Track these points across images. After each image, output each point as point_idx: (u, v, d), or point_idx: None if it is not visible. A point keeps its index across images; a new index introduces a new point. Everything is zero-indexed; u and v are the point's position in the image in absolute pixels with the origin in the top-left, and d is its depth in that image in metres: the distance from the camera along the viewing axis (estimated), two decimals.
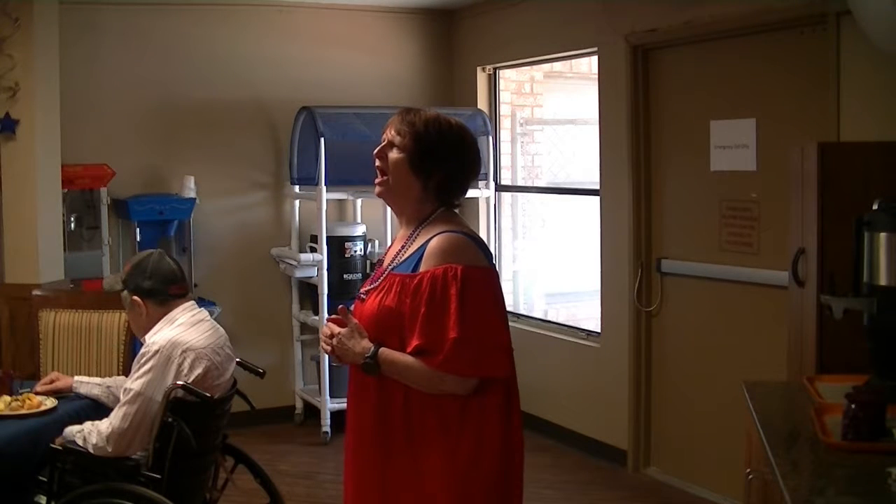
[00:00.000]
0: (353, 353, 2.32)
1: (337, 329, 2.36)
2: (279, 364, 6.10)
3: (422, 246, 2.32)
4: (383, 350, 2.28)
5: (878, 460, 2.14)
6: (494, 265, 2.40)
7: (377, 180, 2.40)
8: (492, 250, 2.47)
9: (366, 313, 2.36)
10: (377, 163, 2.39)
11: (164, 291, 3.29)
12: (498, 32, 6.16)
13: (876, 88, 3.85)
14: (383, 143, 2.39)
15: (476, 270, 2.27)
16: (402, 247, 2.39)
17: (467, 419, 2.28)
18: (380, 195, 2.43)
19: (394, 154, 2.36)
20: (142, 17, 5.77)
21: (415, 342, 2.24)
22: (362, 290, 2.44)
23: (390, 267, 2.38)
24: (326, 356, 5.66)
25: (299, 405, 6.17)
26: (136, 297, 3.27)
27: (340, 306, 2.39)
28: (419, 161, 2.34)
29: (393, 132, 2.37)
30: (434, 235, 2.32)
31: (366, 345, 2.30)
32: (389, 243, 2.54)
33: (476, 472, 2.27)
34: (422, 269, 2.28)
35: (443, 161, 2.35)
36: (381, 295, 2.33)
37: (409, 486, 2.30)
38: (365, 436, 2.37)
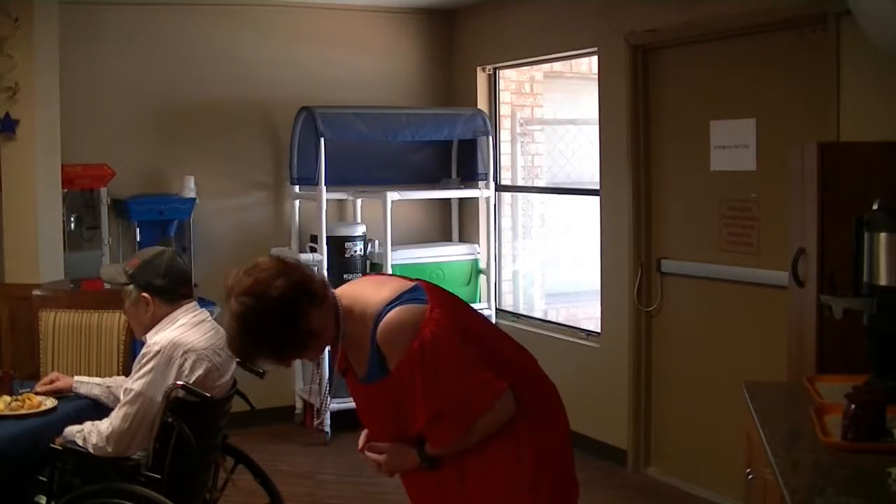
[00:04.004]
0: (409, 463, 2.34)
1: (379, 458, 2.36)
2: None
3: (371, 350, 2.24)
4: (427, 446, 2.30)
5: (878, 460, 2.14)
6: (425, 298, 2.25)
7: (313, 356, 2.35)
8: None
9: (373, 425, 2.40)
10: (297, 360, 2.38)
11: (174, 291, 3.29)
12: (498, 32, 6.15)
13: (876, 88, 3.85)
14: (280, 367, 2.33)
15: (422, 338, 2.18)
16: (352, 353, 2.33)
17: (521, 434, 2.30)
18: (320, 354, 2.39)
19: (277, 363, 2.27)
20: (142, 17, 5.77)
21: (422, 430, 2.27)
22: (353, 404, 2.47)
23: (360, 379, 2.33)
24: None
25: (299, 405, 6.17)
26: (145, 294, 3.27)
27: (368, 445, 2.40)
28: (278, 349, 2.22)
29: (256, 363, 2.43)
30: (372, 332, 2.22)
31: (412, 454, 2.32)
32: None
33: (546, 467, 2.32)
34: (391, 367, 2.22)
35: (269, 336, 2.19)
36: (374, 407, 2.35)
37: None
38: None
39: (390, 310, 2.21)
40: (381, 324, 2.20)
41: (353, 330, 2.27)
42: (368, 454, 2.38)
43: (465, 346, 2.24)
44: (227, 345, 2.27)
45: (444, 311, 2.23)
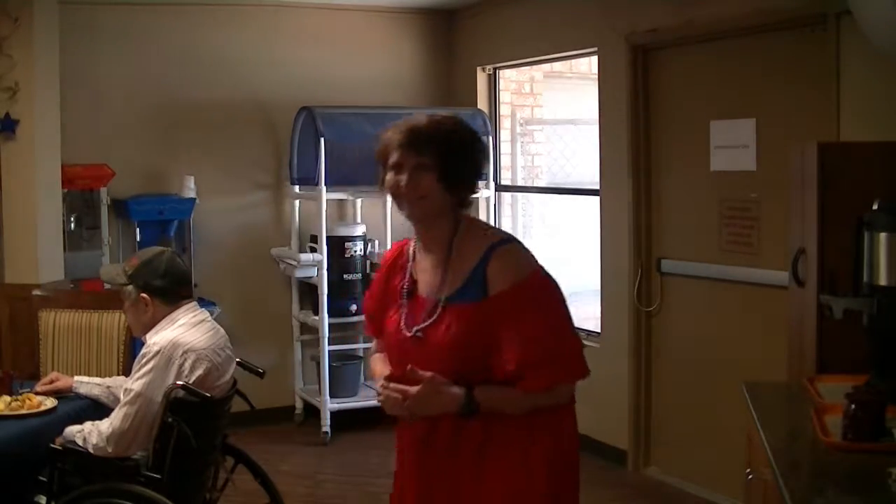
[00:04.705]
0: (440, 405, 2.15)
1: (410, 389, 2.15)
2: (279, 364, 6.10)
3: (475, 269, 2.19)
4: (477, 390, 2.14)
5: (878, 460, 2.14)
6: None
7: (413, 206, 2.21)
8: None
9: (436, 350, 2.20)
10: (411, 191, 2.19)
11: (174, 292, 3.28)
12: (498, 32, 6.16)
13: (876, 88, 3.85)
14: (409, 171, 2.18)
15: (538, 279, 2.19)
16: (443, 271, 2.24)
17: (547, 420, 2.24)
18: (419, 218, 2.26)
19: (427, 179, 2.18)
20: (142, 17, 5.76)
21: (507, 366, 2.14)
22: (415, 328, 2.24)
23: (443, 297, 2.22)
24: (327, 358, 5.71)
25: (299, 405, 6.17)
26: (144, 295, 3.27)
27: (409, 367, 2.17)
28: (450, 178, 2.19)
29: (413, 154, 2.18)
30: (487, 252, 2.20)
31: (455, 392, 2.14)
32: (407, 268, 2.34)
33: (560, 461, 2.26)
34: (492, 292, 2.16)
35: (465, 169, 2.23)
36: (449, 329, 2.19)
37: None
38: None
39: (509, 243, 2.23)
40: (501, 249, 2.20)
41: (466, 240, 2.24)
42: (393, 385, 2.17)
43: (568, 310, 2.26)
44: (409, 126, 2.21)
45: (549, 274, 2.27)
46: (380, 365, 2.39)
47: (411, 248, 2.36)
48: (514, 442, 2.21)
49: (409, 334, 2.25)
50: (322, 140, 5.57)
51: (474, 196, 2.31)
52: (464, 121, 2.28)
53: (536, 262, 2.23)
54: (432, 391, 2.14)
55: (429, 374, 2.15)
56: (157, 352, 3.14)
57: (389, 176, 2.22)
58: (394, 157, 2.21)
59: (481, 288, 2.18)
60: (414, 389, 2.15)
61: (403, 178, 2.19)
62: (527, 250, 2.25)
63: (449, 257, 2.24)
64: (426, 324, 2.23)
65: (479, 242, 2.23)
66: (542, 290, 2.18)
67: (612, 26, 5.11)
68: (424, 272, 2.30)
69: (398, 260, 2.39)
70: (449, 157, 2.19)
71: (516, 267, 2.18)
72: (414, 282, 2.31)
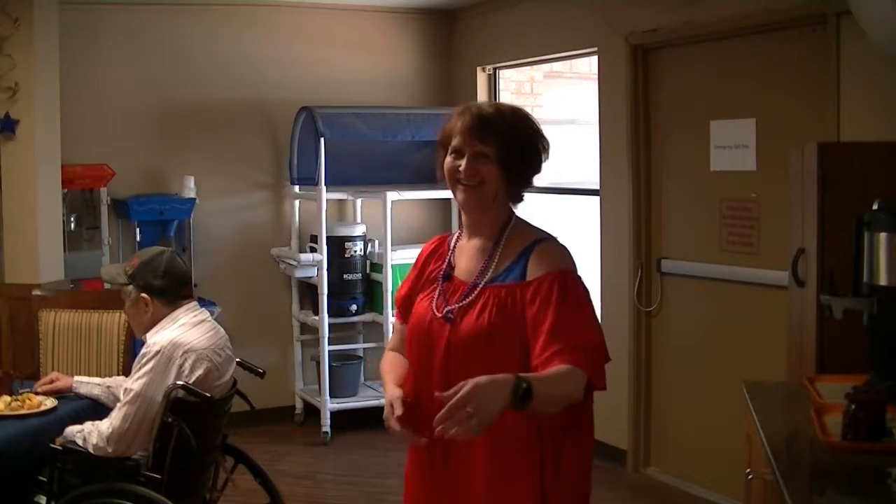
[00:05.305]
0: (498, 395, 1.84)
1: (471, 402, 1.81)
2: (279, 364, 6.10)
3: (518, 259, 2.18)
4: (528, 376, 1.91)
5: (878, 460, 2.14)
6: None
7: (468, 193, 2.18)
8: None
9: (466, 333, 2.14)
10: (468, 178, 2.17)
11: (173, 292, 3.28)
12: (498, 32, 6.16)
13: (876, 88, 3.85)
14: (469, 158, 2.16)
15: (574, 275, 2.16)
16: (488, 258, 2.21)
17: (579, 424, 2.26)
18: (472, 206, 2.22)
19: (486, 168, 2.16)
20: (142, 17, 5.77)
21: (554, 347, 2.04)
22: (447, 308, 2.19)
23: (483, 281, 2.18)
24: (327, 358, 5.71)
25: (299, 405, 6.17)
26: (144, 295, 3.27)
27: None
28: (509, 170, 2.18)
29: (475, 141, 2.15)
30: (532, 244, 2.19)
31: (502, 376, 1.87)
32: (447, 256, 2.31)
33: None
34: (531, 275, 2.14)
35: (525, 163, 2.21)
36: (483, 311, 2.14)
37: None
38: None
39: (556, 241, 2.22)
40: (546, 244, 2.19)
41: (515, 233, 2.23)
42: (452, 415, 1.80)
43: None
44: (474, 113, 2.17)
45: None
46: (388, 364, 2.33)
47: (453, 239, 2.35)
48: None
49: (439, 315, 2.20)
50: (322, 140, 5.57)
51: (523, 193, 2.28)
52: (530, 115, 2.27)
53: (575, 266, 2.20)
54: (485, 381, 1.83)
55: (465, 387, 1.83)
56: (157, 352, 3.14)
57: (448, 160, 2.21)
58: (455, 142, 2.19)
59: (521, 276, 2.16)
60: (472, 403, 1.81)
61: (462, 163, 2.17)
62: (570, 253, 2.22)
63: (496, 247, 2.23)
64: (460, 304, 2.18)
65: (527, 236, 2.22)
66: (575, 286, 2.14)
67: (612, 26, 5.11)
68: (465, 257, 2.27)
69: (438, 249, 2.37)
70: (510, 150, 2.17)
71: (557, 259, 2.16)
72: (452, 267, 2.29)
